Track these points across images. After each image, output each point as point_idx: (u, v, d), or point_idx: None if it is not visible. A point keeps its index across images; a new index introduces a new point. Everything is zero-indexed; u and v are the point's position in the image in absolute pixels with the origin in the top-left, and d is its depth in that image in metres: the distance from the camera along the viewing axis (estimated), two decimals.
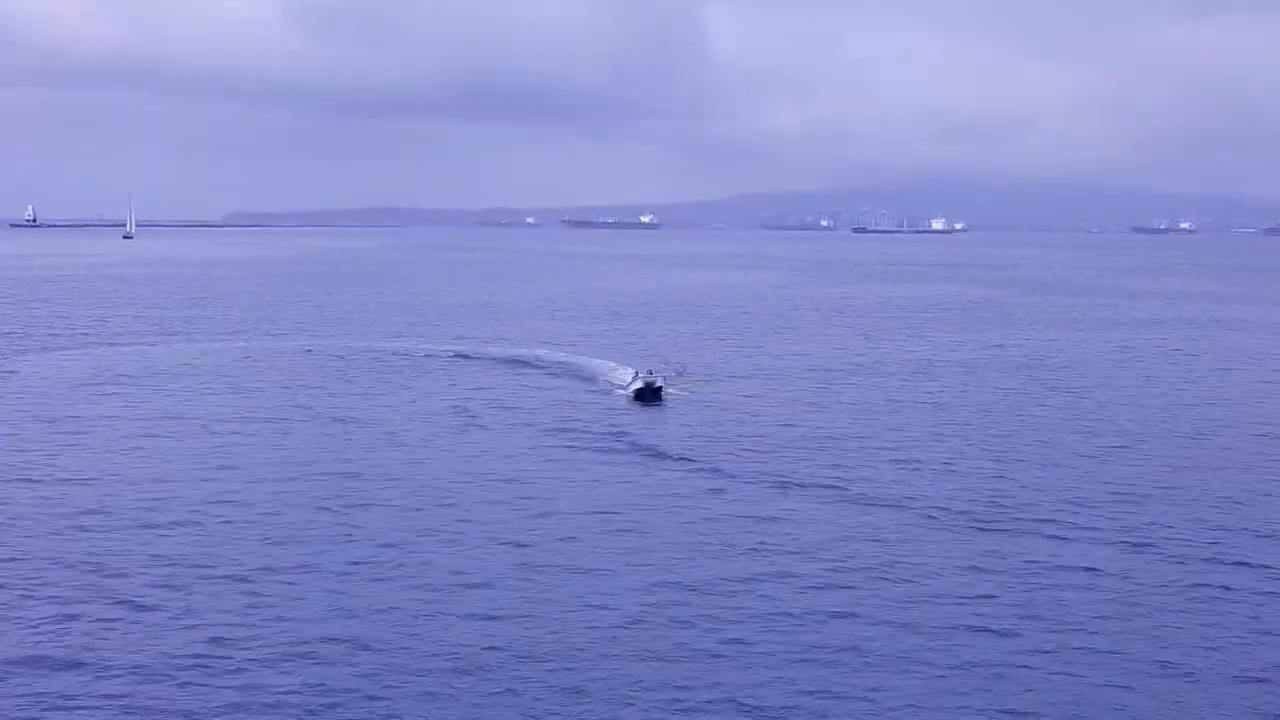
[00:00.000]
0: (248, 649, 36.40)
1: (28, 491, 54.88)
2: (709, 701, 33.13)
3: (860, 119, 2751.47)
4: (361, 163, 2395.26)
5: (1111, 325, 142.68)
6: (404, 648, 36.53)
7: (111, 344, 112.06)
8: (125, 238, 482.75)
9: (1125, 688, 34.31)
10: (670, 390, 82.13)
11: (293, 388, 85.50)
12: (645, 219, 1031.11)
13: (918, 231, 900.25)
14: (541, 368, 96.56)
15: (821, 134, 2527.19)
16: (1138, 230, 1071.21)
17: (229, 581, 42.29)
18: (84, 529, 48.68)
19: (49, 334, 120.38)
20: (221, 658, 35.76)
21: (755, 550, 46.41)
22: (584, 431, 69.56)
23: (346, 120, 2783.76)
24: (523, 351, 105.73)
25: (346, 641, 36.95)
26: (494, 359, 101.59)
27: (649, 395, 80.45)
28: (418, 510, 52.19)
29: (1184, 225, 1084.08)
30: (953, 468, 61.08)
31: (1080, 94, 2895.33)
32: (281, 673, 34.73)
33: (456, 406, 77.98)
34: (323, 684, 34.07)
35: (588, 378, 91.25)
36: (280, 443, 66.36)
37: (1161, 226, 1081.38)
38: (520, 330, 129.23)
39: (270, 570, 43.57)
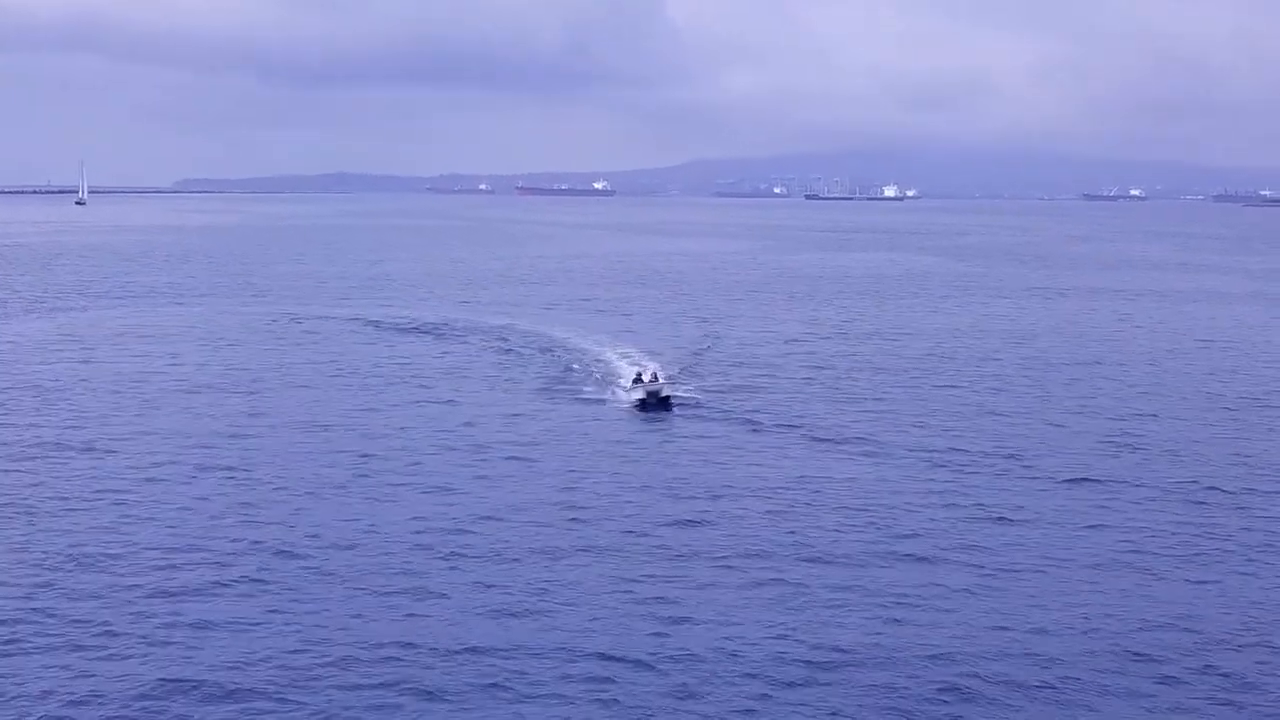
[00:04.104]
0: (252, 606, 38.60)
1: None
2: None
3: (814, 86, 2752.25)
4: (313, 129, 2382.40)
5: (1058, 292, 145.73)
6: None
7: (76, 310, 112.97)
8: (78, 203, 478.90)
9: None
10: (679, 395, 69.12)
11: (271, 355, 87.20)
12: (599, 185, 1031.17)
13: (870, 198, 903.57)
14: (526, 351, 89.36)
15: (776, 101, 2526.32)
16: (1088, 197, 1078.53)
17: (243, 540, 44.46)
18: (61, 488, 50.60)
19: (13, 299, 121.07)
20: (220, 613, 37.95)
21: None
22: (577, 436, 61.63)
23: (298, 86, 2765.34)
24: (498, 323, 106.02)
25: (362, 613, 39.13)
26: (471, 332, 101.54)
27: (655, 405, 66.66)
28: (394, 493, 54.17)
29: (1134, 192, 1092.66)
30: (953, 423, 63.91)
31: (1034, 62, 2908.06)
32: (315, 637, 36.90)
33: (442, 383, 79.10)
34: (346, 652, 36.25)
35: (577, 362, 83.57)
36: (256, 411, 68.19)
37: (1112, 193, 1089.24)
38: (501, 303, 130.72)
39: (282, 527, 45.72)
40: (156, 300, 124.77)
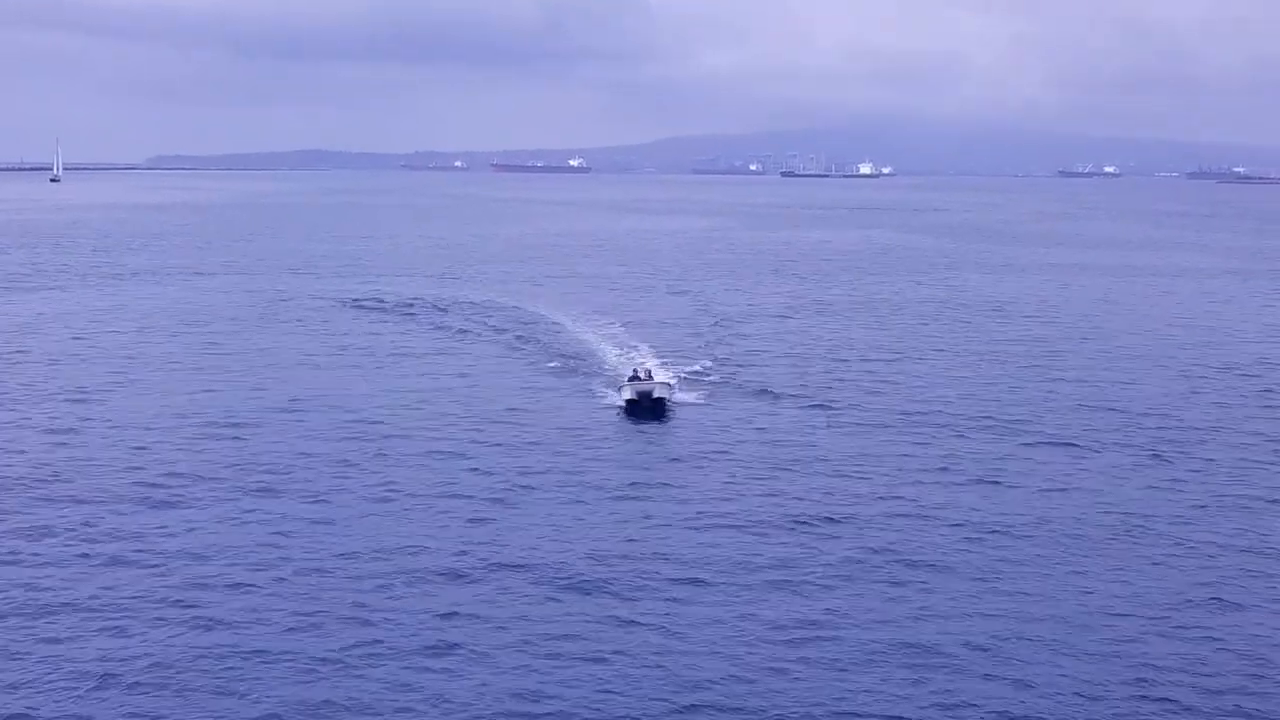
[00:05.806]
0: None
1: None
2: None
3: (790, 63, 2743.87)
4: (287, 106, 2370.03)
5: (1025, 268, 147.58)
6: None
7: (60, 289, 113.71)
8: (52, 180, 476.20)
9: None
10: (676, 398, 62.72)
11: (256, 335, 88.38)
12: (574, 163, 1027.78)
13: (845, 175, 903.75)
14: (525, 344, 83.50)
15: (751, 78, 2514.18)
16: (1063, 174, 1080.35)
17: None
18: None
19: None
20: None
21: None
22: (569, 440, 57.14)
23: (271, 62, 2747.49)
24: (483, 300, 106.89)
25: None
26: (456, 312, 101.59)
27: (646, 408, 60.40)
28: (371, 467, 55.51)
29: (1108, 169, 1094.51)
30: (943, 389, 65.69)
31: (1010, 39, 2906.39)
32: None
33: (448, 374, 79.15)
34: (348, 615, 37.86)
35: (563, 349, 79.77)
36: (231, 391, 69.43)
37: (1086, 170, 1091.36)
38: (484, 282, 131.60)
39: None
40: (143, 279, 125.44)
